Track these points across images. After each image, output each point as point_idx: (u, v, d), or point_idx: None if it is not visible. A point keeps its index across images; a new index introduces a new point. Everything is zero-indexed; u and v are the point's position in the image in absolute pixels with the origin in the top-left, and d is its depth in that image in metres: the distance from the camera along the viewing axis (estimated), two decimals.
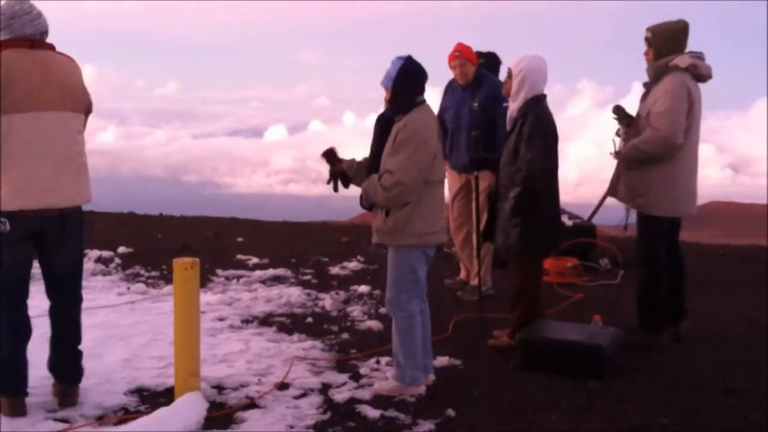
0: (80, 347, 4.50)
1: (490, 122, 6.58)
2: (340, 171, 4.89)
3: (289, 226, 12.01)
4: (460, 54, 6.83)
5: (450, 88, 7.10)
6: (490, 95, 6.73)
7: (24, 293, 4.26)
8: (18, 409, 4.21)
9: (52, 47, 4.24)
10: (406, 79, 4.55)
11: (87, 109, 4.39)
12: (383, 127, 4.69)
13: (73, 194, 4.22)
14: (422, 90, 4.65)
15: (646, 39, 5.54)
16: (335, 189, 4.96)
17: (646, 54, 5.57)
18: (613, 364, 5.01)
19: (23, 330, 4.27)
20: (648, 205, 5.49)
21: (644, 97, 5.57)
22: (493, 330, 5.73)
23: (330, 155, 4.93)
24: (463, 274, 7.35)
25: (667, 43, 5.48)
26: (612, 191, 5.87)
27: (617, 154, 5.72)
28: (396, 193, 4.44)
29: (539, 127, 5.18)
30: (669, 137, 5.29)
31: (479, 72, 6.90)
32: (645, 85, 5.62)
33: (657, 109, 5.32)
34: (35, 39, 4.18)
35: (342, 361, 5.30)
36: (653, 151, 5.36)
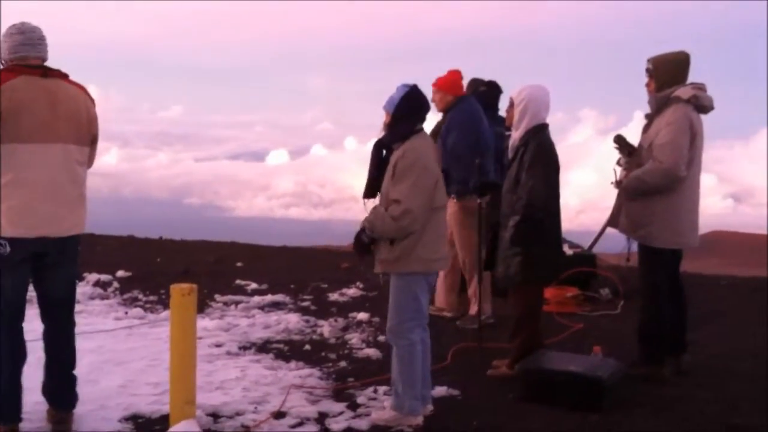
0: (75, 372, 4.46)
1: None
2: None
3: (289, 251, 11.99)
4: (436, 83, 7.07)
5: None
6: (454, 125, 6.92)
7: (20, 316, 4.24)
8: None
9: (64, 76, 4.24)
10: (408, 107, 4.55)
11: (92, 140, 4.39)
12: (381, 153, 4.68)
13: (70, 225, 4.24)
14: (422, 119, 4.66)
15: (648, 70, 5.54)
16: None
17: (648, 85, 5.57)
18: (613, 396, 4.95)
19: (20, 354, 4.24)
20: (650, 236, 5.46)
21: (646, 128, 5.56)
22: (492, 359, 5.68)
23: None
24: (439, 302, 7.32)
25: (668, 74, 5.47)
26: (613, 222, 5.84)
27: (618, 184, 5.70)
28: (407, 222, 4.40)
29: (540, 156, 5.17)
30: (672, 169, 5.27)
31: (453, 103, 7.03)
32: (647, 116, 5.61)
33: (660, 140, 5.31)
34: (42, 65, 4.19)
35: (339, 389, 5.25)
36: (656, 183, 5.35)
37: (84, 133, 4.28)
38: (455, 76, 7.14)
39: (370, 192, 4.66)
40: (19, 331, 4.24)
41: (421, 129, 4.64)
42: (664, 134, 5.30)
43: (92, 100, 4.39)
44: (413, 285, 4.56)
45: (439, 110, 7.12)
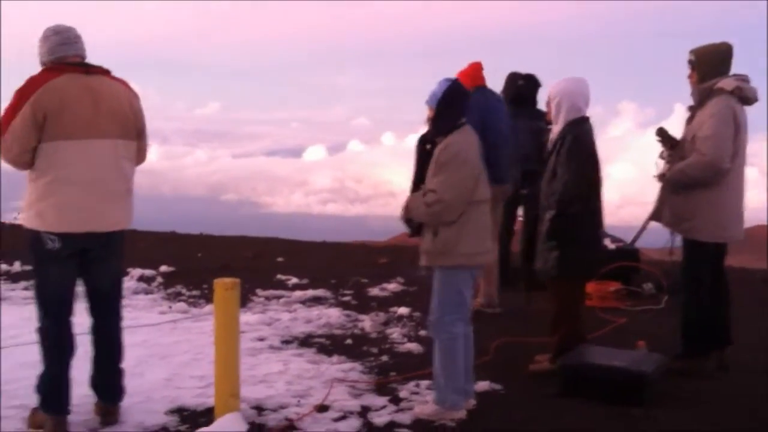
0: (122, 365, 4.54)
1: None
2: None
3: (328, 247, 12.04)
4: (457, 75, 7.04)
5: None
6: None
7: (69, 310, 4.33)
8: (61, 428, 4.25)
9: (106, 72, 4.30)
10: (451, 101, 4.58)
11: (138, 134, 4.41)
12: (425, 148, 4.71)
13: (117, 220, 4.31)
14: (464, 113, 4.68)
15: (690, 62, 5.47)
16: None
17: (690, 77, 5.49)
18: (656, 391, 4.91)
19: (68, 348, 4.33)
20: (694, 230, 5.40)
21: (689, 121, 5.49)
22: (534, 354, 5.66)
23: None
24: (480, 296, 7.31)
25: (711, 65, 5.40)
26: (656, 215, 5.78)
27: (661, 177, 5.64)
28: (437, 210, 4.45)
29: (576, 150, 5.15)
30: (715, 162, 5.21)
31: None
32: (689, 108, 5.54)
33: (703, 133, 5.24)
34: (84, 62, 4.25)
35: (382, 383, 5.27)
36: (699, 176, 5.28)
37: (129, 127, 4.33)
38: (475, 66, 7.14)
39: (416, 188, 4.71)
40: (68, 325, 4.34)
41: (464, 123, 4.65)
42: (707, 126, 5.24)
43: (135, 95, 4.43)
44: (457, 278, 4.59)
45: None
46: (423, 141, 4.75)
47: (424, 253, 4.64)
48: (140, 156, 4.48)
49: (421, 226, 4.66)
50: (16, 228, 12.67)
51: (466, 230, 4.52)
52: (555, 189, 5.16)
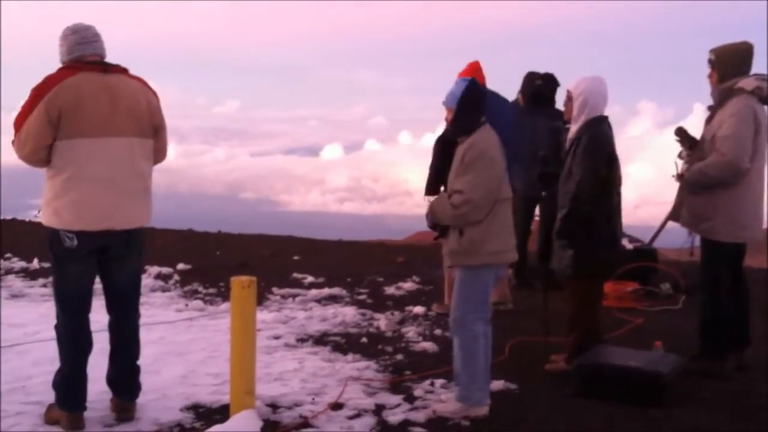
0: (138, 363, 4.56)
1: None
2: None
3: (345, 245, 12.05)
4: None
5: None
6: None
7: (87, 307, 4.36)
8: (77, 424, 4.28)
9: (124, 71, 4.31)
10: (471, 100, 4.58)
11: (156, 131, 4.41)
12: (444, 147, 4.71)
13: (134, 218, 4.32)
14: (484, 111, 4.67)
15: (710, 61, 5.42)
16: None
17: (710, 76, 5.44)
18: (674, 391, 4.88)
19: (85, 344, 4.36)
20: (713, 230, 5.36)
21: (709, 121, 5.44)
22: (549, 354, 5.64)
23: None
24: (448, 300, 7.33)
25: (731, 65, 5.35)
26: (674, 216, 5.74)
27: (680, 177, 5.60)
28: (465, 211, 4.44)
29: (592, 150, 5.12)
30: (735, 162, 5.17)
31: None
32: (709, 108, 5.49)
33: (723, 132, 5.20)
34: (101, 61, 4.27)
35: (396, 382, 5.26)
36: (718, 176, 5.24)
37: (145, 125, 4.33)
38: (474, 66, 7.19)
39: (432, 188, 4.79)
40: (85, 323, 4.36)
41: (485, 122, 4.64)
42: (726, 126, 5.20)
43: (154, 93, 4.44)
44: (481, 277, 4.59)
45: None
46: (441, 141, 4.80)
47: (449, 254, 4.62)
48: (159, 155, 4.49)
49: (447, 228, 4.62)
50: (35, 225, 12.82)
51: (492, 229, 4.52)
52: (569, 188, 5.14)
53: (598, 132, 5.18)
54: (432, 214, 4.65)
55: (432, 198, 4.73)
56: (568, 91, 5.33)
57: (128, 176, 4.26)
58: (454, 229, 4.56)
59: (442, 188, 4.75)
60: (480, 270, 4.56)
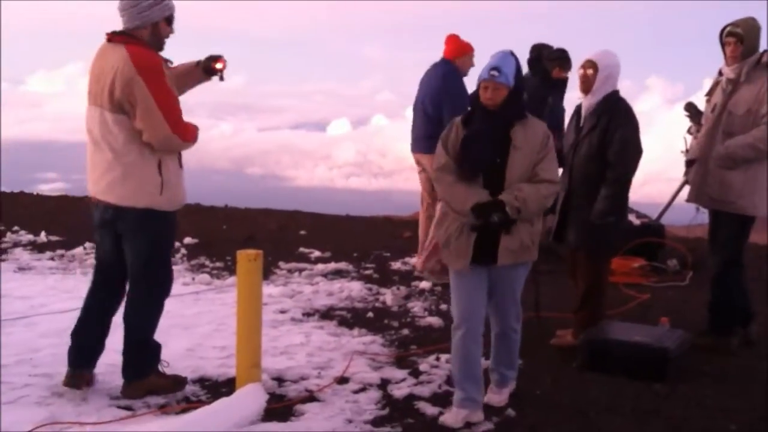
0: (141, 344, 4.50)
1: None
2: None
3: (351, 220, 12.03)
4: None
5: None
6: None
7: (103, 278, 4.53)
8: (71, 381, 4.47)
9: (126, 40, 4.23)
10: (521, 78, 4.23)
11: (123, 108, 4.17)
12: (497, 129, 4.13)
13: (113, 193, 4.27)
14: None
15: (735, 34, 5.28)
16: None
17: (733, 51, 5.29)
18: (679, 367, 4.89)
19: (88, 305, 4.55)
20: (752, 206, 5.26)
21: (730, 94, 5.33)
22: (552, 329, 5.64)
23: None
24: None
25: (755, 39, 5.28)
26: (695, 196, 5.56)
27: (689, 161, 5.51)
28: (550, 202, 4.27)
29: (633, 124, 5.11)
30: None
31: None
32: (732, 81, 5.37)
33: None
34: (114, 31, 4.29)
35: (402, 357, 5.28)
36: None
37: (114, 98, 4.16)
38: (450, 39, 7.43)
39: (478, 172, 4.12)
40: (95, 288, 4.53)
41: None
42: None
43: (138, 65, 4.12)
44: (527, 271, 4.37)
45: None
46: (492, 119, 4.13)
47: (515, 251, 4.11)
48: (145, 135, 4.19)
49: (512, 222, 4.05)
50: (43, 198, 12.84)
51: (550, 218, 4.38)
52: (613, 164, 5.02)
53: (629, 106, 5.15)
54: (521, 209, 4.02)
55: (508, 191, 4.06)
56: (593, 62, 5.13)
57: (100, 148, 4.27)
58: (524, 222, 4.10)
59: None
60: (529, 264, 4.34)
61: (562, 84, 7.81)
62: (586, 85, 5.18)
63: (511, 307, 4.33)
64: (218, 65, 4.61)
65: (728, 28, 5.32)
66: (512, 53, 4.17)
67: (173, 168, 4.33)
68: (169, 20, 4.32)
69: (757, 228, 5.63)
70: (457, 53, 7.40)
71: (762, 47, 5.32)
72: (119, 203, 4.27)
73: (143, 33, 4.25)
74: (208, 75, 4.66)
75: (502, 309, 4.33)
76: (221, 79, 4.67)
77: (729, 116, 5.30)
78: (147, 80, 4.12)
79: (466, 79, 7.39)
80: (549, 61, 7.74)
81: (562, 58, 7.73)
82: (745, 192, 5.24)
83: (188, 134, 4.35)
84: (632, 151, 5.06)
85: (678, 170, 6.37)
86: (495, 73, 4.05)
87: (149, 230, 4.35)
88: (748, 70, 5.25)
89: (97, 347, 4.54)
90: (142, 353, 4.51)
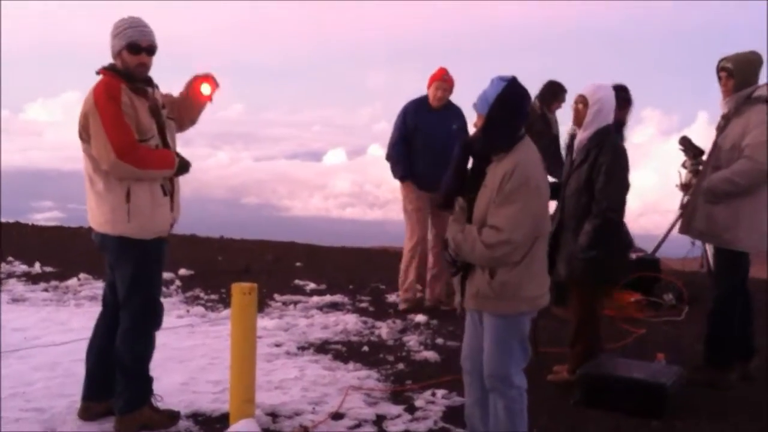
0: (132, 376, 4.47)
1: None
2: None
3: (348, 252, 12.02)
4: (449, 79, 7.39)
5: (417, 109, 7.43)
6: (464, 122, 7.29)
7: (104, 304, 4.62)
8: (80, 412, 4.51)
9: (103, 73, 4.30)
10: (509, 106, 3.73)
11: (88, 137, 4.24)
12: (466, 159, 3.87)
13: (94, 220, 4.37)
14: (524, 121, 3.85)
15: (726, 69, 5.33)
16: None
17: (725, 85, 5.35)
18: (676, 403, 4.86)
19: (94, 334, 4.60)
20: (737, 240, 5.27)
21: (722, 128, 5.38)
22: (548, 364, 5.61)
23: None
24: (408, 296, 7.56)
25: (747, 74, 5.30)
26: (685, 228, 5.63)
27: (684, 187, 5.56)
28: (501, 254, 3.66)
29: (620, 159, 5.12)
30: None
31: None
32: (723, 116, 5.41)
33: (755, 140, 5.11)
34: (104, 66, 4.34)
35: (397, 392, 5.24)
36: (748, 183, 5.15)
37: (79, 128, 4.29)
38: (441, 72, 7.42)
39: (447, 204, 3.96)
40: (101, 315, 4.60)
41: (525, 134, 3.82)
42: (757, 134, 5.11)
43: (91, 99, 4.21)
44: (520, 325, 3.84)
45: (443, 104, 7.45)
46: (468, 151, 3.89)
47: (474, 297, 3.82)
48: (100, 162, 4.22)
49: (470, 265, 3.82)
50: (38, 229, 12.81)
51: (531, 271, 3.77)
52: (598, 198, 5.03)
53: (619, 140, 5.17)
54: (456, 252, 3.81)
55: (456, 224, 3.86)
56: (584, 96, 5.17)
57: (86, 178, 4.35)
58: (482, 268, 3.77)
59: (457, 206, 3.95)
60: (516, 318, 3.81)
61: (620, 125, 7.16)
62: (578, 120, 5.22)
63: (485, 356, 3.88)
64: (204, 89, 4.59)
65: (720, 63, 5.38)
66: (506, 78, 3.77)
67: (146, 196, 4.27)
68: (131, 48, 4.23)
69: (756, 262, 5.64)
70: (427, 85, 7.46)
71: (762, 80, 5.35)
72: (97, 230, 4.37)
73: (117, 64, 4.29)
74: (195, 99, 4.63)
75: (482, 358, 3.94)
76: (210, 100, 4.63)
77: (718, 150, 5.36)
78: (100, 108, 4.16)
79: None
80: None
81: (623, 99, 7.12)
82: (729, 225, 5.26)
83: (144, 162, 4.21)
84: (617, 186, 5.07)
85: (673, 202, 6.39)
86: (475, 101, 3.80)
87: (127, 259, 4.36)
88: (738, 104, 5.29)
89: (104, 377, 4.50)
90: (133, 386, 4.46)
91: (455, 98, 7.55)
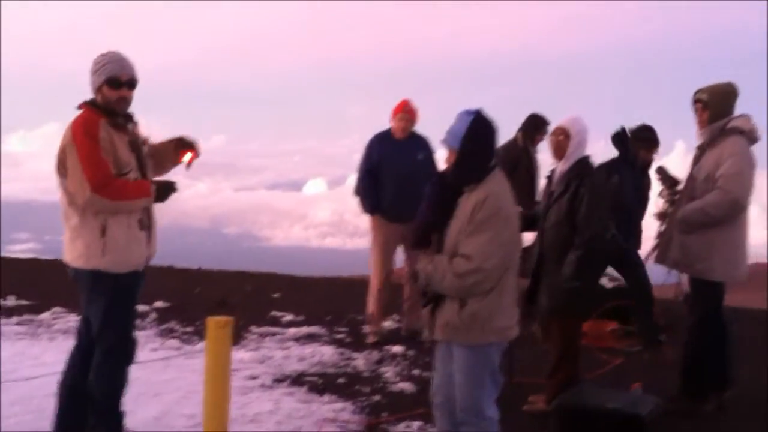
0: (103, 410, 4.45)
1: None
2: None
3: (327, 282, 11.98)
4: (410, 110, 7.42)
5: (381, 142, 7.48)
6: (430, 152, 7.33)
7: (78, 337, 4.58)
8: None
9: (83, 108, 4.31)
10: (478, 139, 3.82)
11: (64, 173, 4.25)
12: (444, 193, 3.95)
13: (68, 254, 4.35)
14: (494, 152, 3.94)
15: (701, 100, 5.40)
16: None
17: (700, 116, 5.42)
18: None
19: (66, 374, 4.54)
20: (710, 270, 5.31)
21: (697, 160, 5.44)
22: (524, 394, 5.60)
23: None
24: (375, 328, 7.60)
25: (722, 105, 5.38)
26: (661, 258, 5.67)
27: (660, 216, 5.61)
28: (471, 283, 3.71)
29: (600, 191, 5.18)
30: (740, 200, 5.18)
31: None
32: (699, 147, 5.48)
33: (727, 171, 5.17)
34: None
35: (373, 424, 5.21)
36: (722, 215, 5.22)
37: (56, 162, 4.29)
38: (399, 106, 7.46)
39: (424, 239, 3.99)
40: (76, 350, 4.57)
41: (495, 165, 3.91)
42: (730, 164, 5.18)
43: (74, 130, 4.22)
44: (490, 356, 3.88)
45: (406, 135, 7.44)
46: (442, 186, 3.96)
47: (444, 327, 3.86)
48: (76, 197, 4.22)
49: (440, 296, 3.87)
50: (10, 261, 12.67)
51: (502, 301, 3.81)
52: (581, 230, 5.06)
53: (598, 171, 5.22)
54: (426, 282, 3.87)
55: (426, 256, 3.90)
56: (564, 129, 5.22)
57: (62, 213, 4.33)
58: (452, 298, 3.82)
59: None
60: (486, 349, 3.85)
61: (645, 166, 7.11)
62: (560, 152, 5.25)
63: (457, 389, 3.92)
64: (185, 158, 4.63)
65: (696, 94, 5.45)
66: (472, 112, 3.86)
67: (122, 230, 4.26)
68: (111, 83, 4.23)
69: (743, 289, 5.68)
70: (390, 117, 7.51)
71: (737, 112, 5.40)
72: (71, 264, 4.33)
73: (98, 99, 4.29)
74: (173, 161, 4.67)
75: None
76: (186, 168, 4.69)
77: (693, 181, 5.41)
78: (77, 144, 4.16)
79: None
80: (635, 141, 6.96)
81: (649, 139, 7.11)
82: (702, 256, 5.31)
83: (120, 193, 4.20)
84: (599, 232, 5.10)
85: (650, 231, 6.44)
86: (445, 136, 3.88)
87: (100, 292, 4.33)
88: (713, 135, 5.35)
89: (76, 412, 4.45)
90: (105, 421, 4.44)
91: (426, 128, 7.61)
